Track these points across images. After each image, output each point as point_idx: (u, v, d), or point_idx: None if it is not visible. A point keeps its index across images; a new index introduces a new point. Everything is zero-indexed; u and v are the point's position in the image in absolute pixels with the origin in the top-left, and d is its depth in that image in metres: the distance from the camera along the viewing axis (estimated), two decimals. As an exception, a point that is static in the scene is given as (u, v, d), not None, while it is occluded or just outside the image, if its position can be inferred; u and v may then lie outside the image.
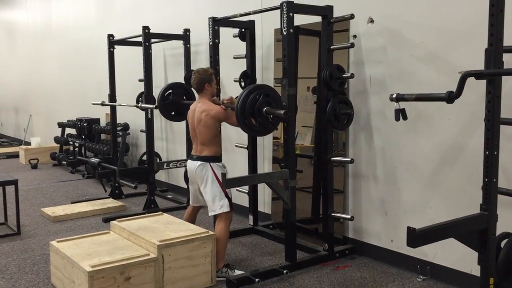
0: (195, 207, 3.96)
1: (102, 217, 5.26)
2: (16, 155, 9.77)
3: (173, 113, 4.90)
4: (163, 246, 3.27)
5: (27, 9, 11.53)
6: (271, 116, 3.39)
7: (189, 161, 3.79)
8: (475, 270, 2.95)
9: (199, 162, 3.66)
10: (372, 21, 3.80)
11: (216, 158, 3.68)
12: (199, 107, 3.70)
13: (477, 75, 2.40)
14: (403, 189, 3.69)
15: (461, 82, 2.39)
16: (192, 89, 3.96)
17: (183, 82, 5.77)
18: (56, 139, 9.08)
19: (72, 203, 5.90)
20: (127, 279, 3.10)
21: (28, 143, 10.21)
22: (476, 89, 3.00)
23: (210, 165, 3.62)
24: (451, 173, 3.37)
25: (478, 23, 3.14)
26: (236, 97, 3.55)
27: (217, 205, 3.61)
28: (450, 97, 2.44)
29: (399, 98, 2.73)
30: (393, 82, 3.69)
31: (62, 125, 8.98)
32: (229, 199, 3.64)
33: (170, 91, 4.85)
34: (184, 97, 4.90)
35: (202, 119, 3.64)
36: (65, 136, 8.89)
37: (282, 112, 3.28)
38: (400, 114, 2.77)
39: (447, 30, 3.32)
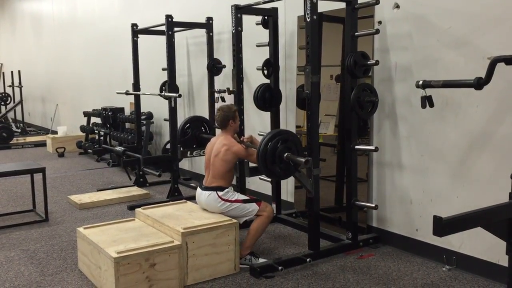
0: None
1: (127, 205, 5.33)
2: (43, 144, 9.97)
3: (194, 145, 4.91)
4: (187, 233, 3.30)
5: (52, 0, 11.68)
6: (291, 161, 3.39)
7: (198, 189, 3.81)
8: (503, 260, 2.90)
9: (208, 192, 3.67)
10: (397, 6, 3.73)
11: (223, 188, 3.66)
12: (221, 140, 3.73)
13: (508, 60, 2.33)
14: (429, 177, 3.63)
15: (491, 68, 2.33)
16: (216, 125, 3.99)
17: (206, 70, 5.80)
18: (82, 128, 9.24)
19: (98, 190, 6.00)
20: (152, 265, 3.14)
21: (55, 132, 10.40)
22: (506, 75, 2.93)
23: (218, 194, 3.62)
24: (478, 162, 3.30)
25: (508, 7, 3.05)
26: (249, 136, 3.65)
27: (247, 214, 3.64)
28: (479, 84, 2.38)
29: (426, 85, 2.68)
30: (419, 69, 3.62)
31: (87, 114, 9.13)
32: (251, 200, 3.66)
33: (188, 125, 4.85)
34: (203, 129, 4.90)
35: (221, 151, 3.66)
36: (90, 125, 9.04)
37: (303, 160, 3.28)
38: (427, 101, 2.73)
39: (476, 14, 3.23)
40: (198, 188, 3.81)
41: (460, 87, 2.85)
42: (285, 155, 3.34)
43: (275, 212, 4.69)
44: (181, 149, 5.00)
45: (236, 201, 3.63)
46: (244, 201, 3.64)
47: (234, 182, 4.09)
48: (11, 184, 6.46)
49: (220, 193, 3.63)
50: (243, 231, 3.72)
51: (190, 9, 6.31)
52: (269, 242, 4.13)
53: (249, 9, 4.35)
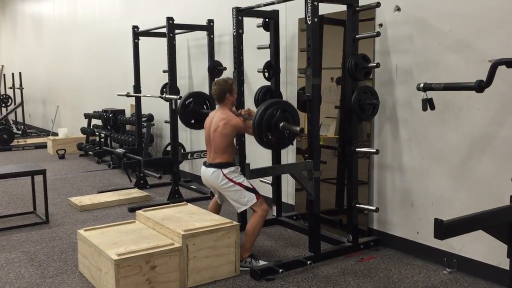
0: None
1: (127, 207, 5.33)
2: (44, 146, 9.97)
3: (192, 121, 4.91)
4: (188, 235, 3.30)
5: (53, 2, 11.70)
6: (287, 131, 3.38)
7: (202, 167, 3.81)
8: (504, 263, 2.89)
9: (212, 169, 3.68)
10: (398, 9, 3.73)
11: (228, 164, 3.68)
12: (218, 115, 3.73)
13: (509, 63, 2.33)
14: (429, 180, 3.63)
15: (492, 71, 2.33)
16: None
17: (207, 72, 5.80)
18: (83, 130, 9.24)
19: (98, 192, 6.00)
20: (152, 267, 3.14)
21: (56, 134, 10.41)
22: (507, 78, 2.93)
23: (222, 172, 3.63)
24: (479, 165, 3.30)
25: (509, 10, 3.05)
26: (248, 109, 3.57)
27: (243, 202, 3.64)
28: (480, 86, 2.38)
29: (427, 87, 2.68)
30: (420, 72, 3.62)
31: (88, 116, 9.14)
32: (253, 190, 3.64)
33: (191, 99, 4.85)
34: (204, 106, 4.90)
35: (219, 126, 3.66)
36: (91, 127, 9.04)
37: (298, 128, 3.27)
38: (428, 104, 2.73)
39: (477, 17, 3.23)
40: (203, 166, 3.80)
41: (461, 90, 2.85)
42: (281, 124, 3.32)
43: (275, 214, 4.69)
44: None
45: (239, 184, 3.62)
46: (246, 188, 3.63)
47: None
48: (12, 186, 6.46)
49: (225, 171, 3.63)
50: (243, 234, 3.72)
51: (191, 11, 6.32)
52: (270, 245, 4.12)
53: (250, 12, 4.36)
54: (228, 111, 3.74)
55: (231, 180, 3.61)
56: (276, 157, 4.60)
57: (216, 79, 3.89)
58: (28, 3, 13.63)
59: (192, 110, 4.78)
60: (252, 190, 3.65)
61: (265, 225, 4.56)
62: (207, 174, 3.72)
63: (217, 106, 3.85)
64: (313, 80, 3.50)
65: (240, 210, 3.71)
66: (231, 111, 3.78)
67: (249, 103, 4.69)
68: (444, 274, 3.45)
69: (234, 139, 3.84)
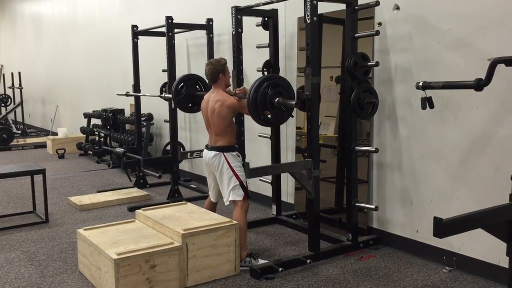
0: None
1: (127, 206, 5.33)
2: (43, 145, 9.97)
3: (190, 105, 4.88)
4: (187, 235, 3.30)
5: (52, 2, 11.69)
6: (284, 106, 3.37)
7: (204, 150, 3.82)
8: (504, 261, 2.89)
9: (213, 152, 3.68)
10: (397, 8, 3.73)
11: (230, 148, 3.69)
12: (213, 97, 3.71)
13: (508, 61, 2.33)
14: (429, 179, 3.63)
15: (491, 69, 2.33)
16: (206, 80, 3.97)
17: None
18: (82, 130, 9.24)
19: (98, 192, 5.99)
20: (152, 267, 3.14)
21: (55, 134, 10.41)
22: (506, 76, 2.93)
23: (224, 155, 3.64)
24: (478, 163, 3.30)
25: (508, 9, 3.05)
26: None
27: (231, 193, 3.64)
28: (478, 85, 2.38)
29: (426, 86, 2.68)
30: (419, 70, 3.62)
31: (87, 116, 9.13)
32: (244, 188, 3.65)
33: (182, 84, 4.83)
34: (197, 87, 4.88)
35: (216, 109, 3.65)
36: (90, 127, 9.04)
37: (293, 102, 3.26)
38: (427, 102, 2.73)
39: (476, 16, 3.23)
40: (205, 149, 3.80)
41: (460, 88, 2.86)
42: (276, 100, 3.30)
43: (275, 213, 4.69)
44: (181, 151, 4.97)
45: (237, 176, 3.62)
46: (241, 184, 3.62)
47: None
48: (11, 186, 6.46)
49: (227, 155, 3.63)
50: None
51: (190, 11, 6.32)
52: (269, 243, 4.13)
53: (249, 11, 4.36)
54: (222, 92, 3.71)
55: (231, 167, 3.61)
56: (276, 156, 4.61)
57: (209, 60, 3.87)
58: (28, 2, 13.62)
59: (186, 95, 4.76)
60: (245, 188, 3.66)
61: (265, 224, 4.59)
62: (208, 156, 3.71)
63: (212, 88, 3.81)
64: (312, 79, 3.50)
65: (226, 202, 3.69)
66: (225, 91, 3.76)
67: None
68: (444, 272, 3.45)
69: (233, 119, 3.82)
